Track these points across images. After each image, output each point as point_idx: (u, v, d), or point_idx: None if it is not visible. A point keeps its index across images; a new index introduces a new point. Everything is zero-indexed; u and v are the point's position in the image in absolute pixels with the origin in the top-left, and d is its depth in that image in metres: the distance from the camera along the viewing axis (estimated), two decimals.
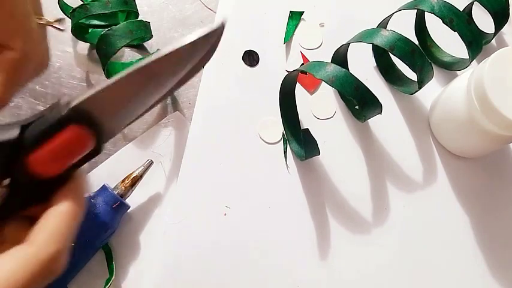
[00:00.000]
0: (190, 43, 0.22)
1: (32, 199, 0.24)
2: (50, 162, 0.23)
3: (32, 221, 0.24)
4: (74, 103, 0.22)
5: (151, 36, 0.45)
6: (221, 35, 0.23)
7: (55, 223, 0.22)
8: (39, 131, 0.22)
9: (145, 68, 0.22)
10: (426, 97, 0.47)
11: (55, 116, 0.22)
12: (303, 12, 0.49)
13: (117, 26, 0.40)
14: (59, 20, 0.40)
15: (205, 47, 0.23)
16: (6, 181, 0.23)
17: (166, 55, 0.22)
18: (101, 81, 0.23)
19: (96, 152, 0.24)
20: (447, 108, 0.43)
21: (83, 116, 0.22)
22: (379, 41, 0.39)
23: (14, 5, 0.26)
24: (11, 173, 0.23)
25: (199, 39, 0.22)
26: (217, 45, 0.23)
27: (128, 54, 0.46)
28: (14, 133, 0.22)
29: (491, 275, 0.42)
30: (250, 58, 0.47)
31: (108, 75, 0.43)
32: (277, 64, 0.47)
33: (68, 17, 0.42)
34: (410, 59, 0.39)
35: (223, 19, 0.22)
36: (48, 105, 0.23)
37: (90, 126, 0.23)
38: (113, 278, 0.38)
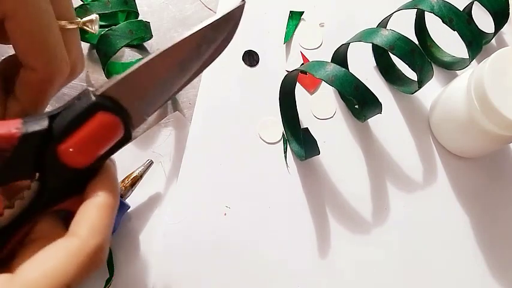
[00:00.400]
0: (211, 24, 0.22)
1: (64, 192, 0.24)
2: (80, 152, 0.22)
3: (64, 216, 0.24)
4: (100, 90, 0.22)
5: (151, 36, 0.45)
6: (241, 14, 0.23)
7: (96, 215, 0.22)
8: (67, 120, 0.22)
9: (169, 51, 0.22)
10: (426, 97, 0.47)
11: (83, 105, 0.22)
12: (303, 12, 0.49)
13: (117, 26, 0.40)
14: (91, 21, 0.37)
15: (227, 27, 0.23)
16: (36, 176, 0.23)
17: (189, 37, 0.22)
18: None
19: (126, 139, 0.24)
20: (447, 108, 0.43)
21: (110, 103, 0.22)
22: (379, 40, 0.39)
23: (30, 22, 0.24)
24: (41, 166, 0.22)
25: (220, 19, 0.22)
26: (237, 25, 0.23)
27: (128, 54, 0.46)
28: (43, 124, 0.22)
29: (491, 275, 0.42)
30: (250, 58, 0.47)
31: (108, 75, 0.43)
32: (277, 64, 0.47)
33: None
34: (410, 58, 0.39)
35: None
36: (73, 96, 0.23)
37: (118, 112, 0.23)
38: (113, 278, 0.38)
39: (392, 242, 0.42)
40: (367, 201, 0.43)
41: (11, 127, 0.21)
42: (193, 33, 0.22)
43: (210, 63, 0.25)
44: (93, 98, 0.22)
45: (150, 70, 0.23)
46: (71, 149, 0.22)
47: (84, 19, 0.30)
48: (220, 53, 0.24)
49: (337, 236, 0.42)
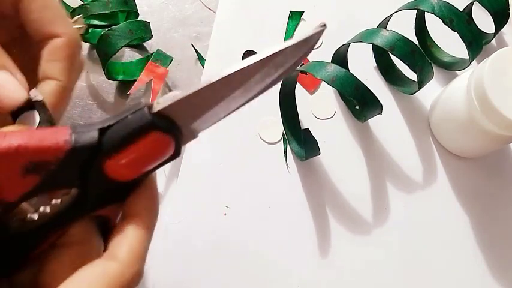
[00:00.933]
0: (284, 49, 0.21)
1: (103, 201, 0.23)
2: (127, 168, 0.21)
3: (100, 221, 0.23)
4: (157, 108, 0.21)
5: (151, 36, 0.45)
6: (318, 40, 0.22)
7: (137, 239, 0.22)
8: (119, 136, 0.21)
9: (235, 75, 0.21)
10: (426, 97, 0.47)
11: (137, 122, 0.21)
12: (303, 12, 0.49)
13: (117, 26, 0.40)
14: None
15: (300, 53, 0.22)
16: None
17: (259, 61, 0.21)
18: (186, 87, 0.22)
19: (176, 155, 0.23)
20: (447, 108, 0.43)
21: (166, 122, 0.21)
22: (379, 41, 0.39)
23: None
24: (85, 176, 0.21)
25: (295, 45, 0.21)
26: (311, 50, 0.23)
27: (128, 54, 0.46)
28: (94, 137, 0.21)
29: (491, 275, 0.42)
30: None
31: (108, 75, 0.43)
32: None
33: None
34: (411, 59, 0.39)
35: (323, 22, 0.22)
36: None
37: (172, 132, 0.22)
38: None
39: (392, 242, 0.42)
40: (367, 201, 0.43)
41: (59, 138, 0.20)
42: (264, 58, 0.21)
43: (275, 85, 0.24)
44: (150, 116, 0.21)
45: (212, 92, 0.21)
46: (118, 165, 0.21)
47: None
48: (286, 74, 0.24)
49: (337, 236, 0.42)
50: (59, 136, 0.20)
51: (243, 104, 0.23)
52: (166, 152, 0.22)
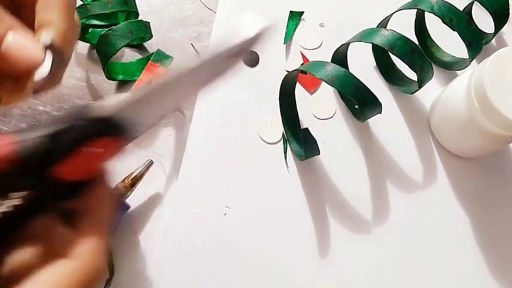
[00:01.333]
0: (223, 52, 0.22)
1: (58, 199, 0.23)
2: (76, 170, 0.22)
3: (61, 211, 0.24)
4: (103, 113, 0.22)
5: (151, 36, 0.45)
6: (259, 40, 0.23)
7: (93, 237, 0.22)
8: (65, 142, 0.21)
9: (177, 78, 0.22)
10: (426, 97, 0.47)
11: (83, 128, 0.22)
12: (303, 12, 0.49)
13: (117, 26, 0.40)
14: None
15: (241, 53, 0.23)
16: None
17: (198, 66, 0.22)
18: (132, 90, 0.23)
19: (121, 152, 0.24)
20: (447, 108, 0.43)
21: (111, 126, 0.22)
22: (379, 40, 0.39)
23: None
24: (35, 180, 0.22)
25: (235, 47, 0.22)
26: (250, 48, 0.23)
27: (128, 54, 0.46)
28: (40, 144, 0.21)
29: (491, 275, 0.42)
30: (250, 58, 0.47)
31: (108, 75, 0.43)
32: (277, 64, 0.47)
33: None
34: (410, 58, 0.39)
35: (268, 24, 0.23)
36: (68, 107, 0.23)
37: (119, 134, 0.22)
38: (113, 278, 0.38)
39: (392, 242, 0.42)
40: (367, 201, 0.43)
41: (3, 149, 0.21)
42: (202, 62, 0.22)
43: (217, 80, 0.25)
44: (95, 122, 0.22)
45: (155, 94, 0.22)
46: (67, 168, 0.22)
47: None
48: (227, 71, 0.24)
49: (337, 235, 0.42)
50: (2, 147, 0.21)
51: (188, 99, 0.25)
52: (113, 152, 0.23)
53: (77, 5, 0.40)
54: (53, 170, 0.22)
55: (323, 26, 0.49)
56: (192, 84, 0.23)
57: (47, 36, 0.24)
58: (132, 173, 0.39)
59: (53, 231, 0.23)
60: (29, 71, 0.24)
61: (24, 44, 0.23)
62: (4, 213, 0.22)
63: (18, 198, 0.22)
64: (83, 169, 0.22)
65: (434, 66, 0.46)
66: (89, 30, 0.45)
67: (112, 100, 0.22)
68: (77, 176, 0.23)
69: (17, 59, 0.23)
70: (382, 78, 0.48)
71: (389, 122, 0.46)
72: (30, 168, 0.21)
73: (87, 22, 0.44)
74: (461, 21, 0.40)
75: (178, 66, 0.22)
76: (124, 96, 0.22)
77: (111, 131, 0.22)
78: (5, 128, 0.42)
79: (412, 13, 0.48)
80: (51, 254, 0.22)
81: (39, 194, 0.22)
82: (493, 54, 0.38)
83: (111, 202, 0.24)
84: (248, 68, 0.46)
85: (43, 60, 0.24)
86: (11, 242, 0.23)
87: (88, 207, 0.23)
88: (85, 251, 0.22)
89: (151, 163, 0.40)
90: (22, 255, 0.22)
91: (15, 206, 0.22)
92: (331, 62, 0.41)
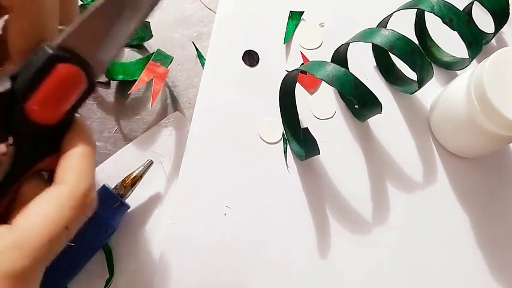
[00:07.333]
0: None
1: (41, 152, 0.24)
2: (47, 107, 0.23)
3: (46, 177, 0.24)
4: (55, 42, 0.22)
5: (151, 36, 0.45)
6: None
7: (79, 162, 0.23)
8: (28, 78, 0.22)
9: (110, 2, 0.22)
10: (426, 97, 0.47)
11: (40, 59, 0.22)
12: (303, 12, 0.49)
13: None
14: None
15: None
16: (11, 140, 0.23)
17: None
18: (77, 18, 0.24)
19: (90, 89, 0.24)
20: (447, 108, 0.43)
21: (67, 54, 0.23)
22: (378, 40, 0.39)
23: None
24: (12, 128, 0.23)
25: None
26: None
27: (128, 54, 0.46)
28: (6, 85, 0.22)
29: (491, 275, 0.42)
30: (250, 58, 0.47)
31: (108, 75, 0.43)
32: (277, 64, 0.47)
33: None
34: (410, 58, 0.39)
35: None
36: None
37: (77, 63, 0.23)
38: (113, 278, 0.38)
39: (392, 242, 0.42)
40: (367, 201, 0.43)
41: None
42: None
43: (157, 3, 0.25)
44: (50, 51, 0.22)
45: (101, 16, 0.23)
46: (38, 106, 0.22)
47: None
48: None
49: (337, 235, 0.42)
50: None
51: (140, 23, 0.25)
52: (78, 83, 0.23)
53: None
54: (25, 110, 0.22)
55: (323, 26, 0.49)
56: (131, 5, 0.24)
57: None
58: (132, 173, 0.39)
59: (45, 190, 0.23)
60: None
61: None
62: None
63: (4, 156, 0.23)
64: (52, 106, 0.23)
65: (434, 66, 0.46)
66: None
67: (62, 32, 0.23)
68: (51, 116, 0.23)
69: None
70: (382, 78, 0.48)
71: (389, 122, 0.46)
72: (2, 109, 0.22)
73: None
74: (461, 21, 0.40)
75: None
76: (72, 25, 0.23)
77: (66, 57, 0.22)
78: None
79: (412, 13, 0.48)
80: None
81: (20, 147, 0.23)
82: (493, 54, 0.38)
83: (91, 138, 0.25)
84: (248, 68, 0.46)
85: None
86: (6, 208, 0.23)
87: (70, 144, 0.24)
88: (71, 174, 0.23)
89: (151, 163, 0.40)
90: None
91: (4, 167, 0.23)
92: (331, 61, 0.41)
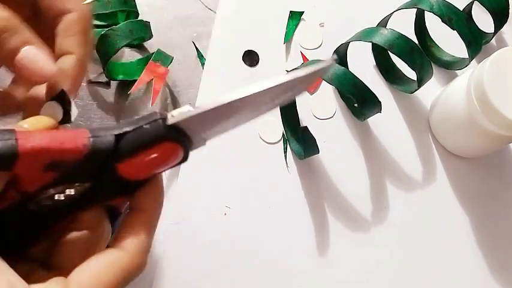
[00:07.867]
0: (295, 79, 0.22)
1: (114, 194, 0.25)
2: (139, 171, 0.23)
3: (107, 208, 0.25)
4: (172, 120, 0.23)
5: (151, 36, 0.45)
6: (327, 70, 0.23)
7: (143, 233, 0.24)
8: (134, 143, 0.23)
9: (246, 97, 0.22)
10: (426, 96, 0.47)
11: (152, 132, 0.22)
12: (303, 12, 0.49)
13: (117, 26, 0.40)
14: None
15: (309, 81, 0.23)
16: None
17: (273, 87, 0.22)
18: (202, 104, 0.24)
19: (183, 160, 0.25)
20: (447, 108, 0.43)
21: (178, 134, 0.23)
22: (378, 39, 0.39)
23: None
24: (99, 174, 0.23)
25: (307, 76, 0.22)
26: (321, 77, 0.24)
27: (128, 54, 0.46)
28: (110, 142, 0.22)
29: (491, 275, 0.42)
30: (250, 58, 0.47)
31: (108, 75, 0.43)
32: (277, 64, 0.47)
33: None
34: (410, 57, 0.39)
35: (334, 55, 0.23)
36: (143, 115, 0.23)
37: (184, 142, 0.23)
38: None
39: (391, 241, 0.42)
40: (367, 201, 0.43)
41: (79, 142, 0.22)
42: (275, 85, 0.22)
43: (282, 105, 0.25)
44: (164, 128, 0.23)
45: (223, 111, 0.23)
46: (131, 168, 0.23)
47: None
48: (295, 96, 0.25)
49: (337, 235, 0.42)
50: (78, 140, 0.22)
51: (251, 119, 0.25)
52: (176, 158, 0.24)
53: None
54: (117, 167, 0.23)
55: (323, 26, 0.49)
56: (257, 108, 0.24)
57: (67, 64, 0.26)
58: None
59: (102, 225, 0.25)
60: (39, 83, 0.26)
61: (36, 59, 0.25)
62: (65, 198, 0.23)
63: (79, 188, 0.23)
64: (142, 170, 0.24)
65: (434, 66, 0.46)
66: None
67: (180, 111, 0.23)
68: (136, 176, 0.24)
69: (29, 72, 0.25)
70: (382, 77, 0.48)
71: (389, 121, 0.46)
72: (99, 162, 0.23)
73: None
74: (460, 21, 0.40)
75: (252, 86, 0.22)
76: (191, 108, 0.23)
77: (175, 138, 0.23)
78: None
79: (412, 13, 0.48)
80: (98, 244, 0.24)
81: (98, 187, 0.24)
82: (493, 54, 0.38)
83: (162, 204, 0.26)
84: (248, 67, 0.46)
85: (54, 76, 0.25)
86: (62, 229, 0.24)
87: (141, 205, 0.25)
88: (133, 244, 0.23)
89: None
90: (73, 243, 0.24)
91: (77, 191, 0.23)
92: None
